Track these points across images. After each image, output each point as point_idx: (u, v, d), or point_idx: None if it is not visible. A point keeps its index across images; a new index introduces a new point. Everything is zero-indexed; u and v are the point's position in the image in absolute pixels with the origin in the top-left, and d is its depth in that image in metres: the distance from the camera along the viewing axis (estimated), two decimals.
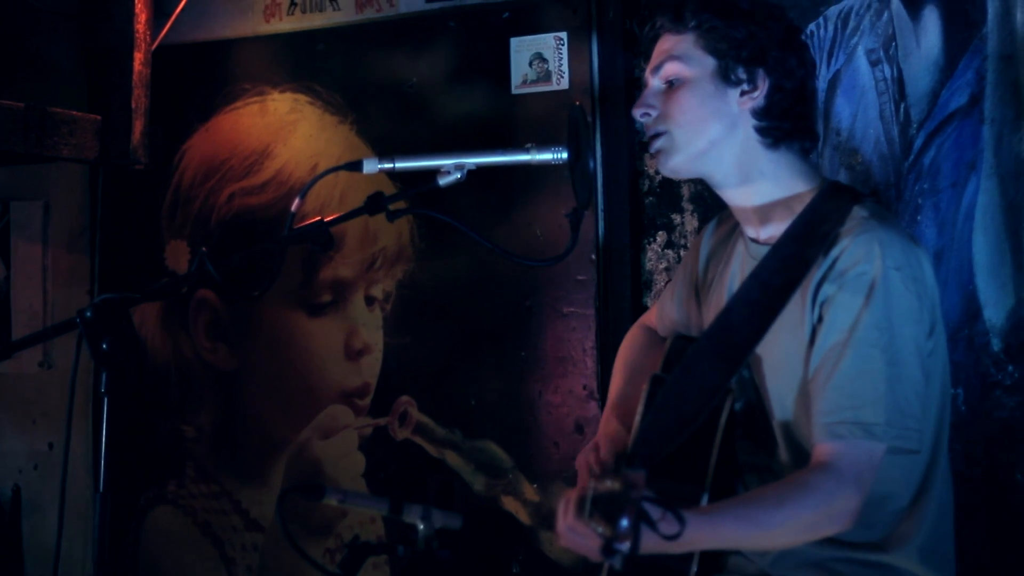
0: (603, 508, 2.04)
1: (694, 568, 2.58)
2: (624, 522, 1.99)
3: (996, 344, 3.21)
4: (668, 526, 2.12)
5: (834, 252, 2.60)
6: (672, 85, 2.74)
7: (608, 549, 2.01)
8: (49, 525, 4.92)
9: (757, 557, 2.73)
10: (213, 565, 4.71)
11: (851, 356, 2.53)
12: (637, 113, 2.76)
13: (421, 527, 3.24)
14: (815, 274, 2.61)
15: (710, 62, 2.71)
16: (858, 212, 2.64)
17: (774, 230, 2.73)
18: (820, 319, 2.60)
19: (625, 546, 2.00)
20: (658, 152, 2.75)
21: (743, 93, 2.70)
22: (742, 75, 2.70)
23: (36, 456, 4.99)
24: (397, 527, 3.49)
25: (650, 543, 2.15)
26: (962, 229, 3.26)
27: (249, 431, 4.68)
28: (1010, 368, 3.20)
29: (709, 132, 2.71)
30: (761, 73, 2.70)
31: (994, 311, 3.21)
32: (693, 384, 2.55)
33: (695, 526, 2.34)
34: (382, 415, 4.42)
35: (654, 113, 2.74)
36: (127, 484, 4.78)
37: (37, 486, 4.99)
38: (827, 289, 2.59)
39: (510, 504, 4.17)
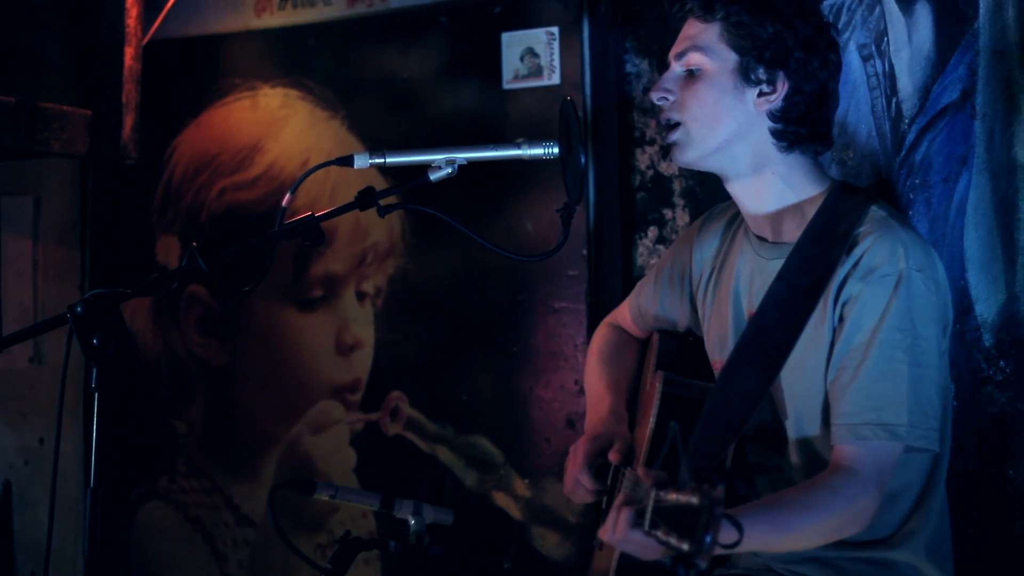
0: (674, 521, 1.99)
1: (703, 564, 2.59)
2: (708, 539, 1.94)
3: (988, 339, 3.21)
4: (727, 535, 2.06)
5: (856, 252, 2.59)
6: (692, 74, 2.72)
7: (687, 563, 1.96)
8: (40, 520, 4.91)
9: (765, 554, 2.73)
10: (204, 560, 4.71)
11: (875, 357, 2.53)
12: (655, 96, 2.75)
13: (412, 522, 3.24)
14: (838, 274, 2.61)
15: (732, 57, 2.69)
16: (876, 212, 2.65)
17: (785, 229, 2.73)
18: (841, 319, 2.59)
19: (705, 563, 1.95)
20: (673, 144, 2.74)
21: (761, 94, 2.69)
22: (762, 75, 2.68)
23: (27, 451, 4.98)
24: (388, 522, 3.49)
25: None
26: (953, 224, 3.25)
27: (240, 426, 4.67)
28: (1001, 363, 3.20)
29: (723, 129, 2.70)
30: (781, 75, 2.68)
31: (985, 306, 3.20)
32: (737, 391, 2.54)
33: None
34: (373, 410, 4.41)
35: (671, 98, 2.73)
36: (118, 479, 4.77)
37: (28, 481, 4.98)
38: (851, 289, 2.58)
39: (501, 499, 4.17)
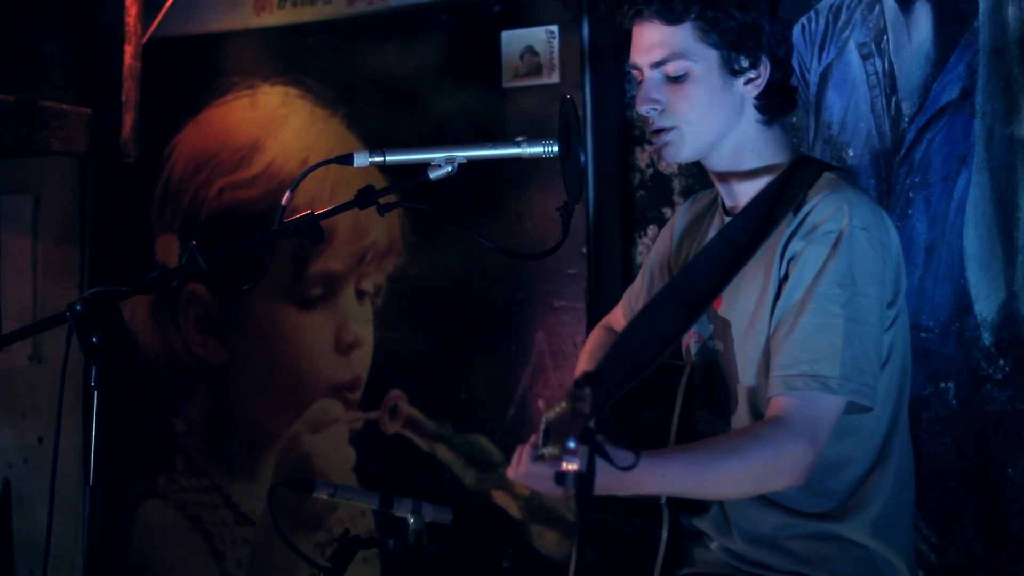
0: (554, 435, 1.99)
1: (659, 560, 2.60)
2: (571, 440, 1.91)
3: (987, 338, 3.21)
4: (621, 456, 2.07)
5: (804, 210, 2.61)
6: (676, 79, 2.70)
7: (559, 473, 1.92)
8: (39, 519, 4.91)
9: (722, 538, 2.72)
10: (203, 559, 4.71)
11: (811, 311, 2.54)
12: (643, 109, 2.72)
13: (411, 521, 3.23)
14: (784, 232, 2.62)
15: (713, 55, 2.67)
16: (827, 175, 2.67)
17: (749, 196, 2.74)
18: (786, 276, 2.61)
19: (574, 461, 1.91)
20: (666, 145, 2.73)
21: (748, 81, 2.69)
22: (745, 63, 2.68)
23: (26, 450, 4.98)
24: (387, 521, 3.48)
25: (605, 478, 2.11)
26: (953, 223, 3.26)
27: (239, 425, 4.67)
28: (1001, 362, 3.20)
29: (719, 124, 2.70)
30: (763, 58, 2.69)
31: (985, 305, 3.21)
32: (652, 331, 2.55)
33: (646, 463, 2.35)
34: (372, 409, 4.41)
35: (660, 108, 2.71)
36: (117, 478, 4.77)
37: (27, 480, 4.98)
38: (795, 245, 2.60)
39: (500, 498, 4.17)
